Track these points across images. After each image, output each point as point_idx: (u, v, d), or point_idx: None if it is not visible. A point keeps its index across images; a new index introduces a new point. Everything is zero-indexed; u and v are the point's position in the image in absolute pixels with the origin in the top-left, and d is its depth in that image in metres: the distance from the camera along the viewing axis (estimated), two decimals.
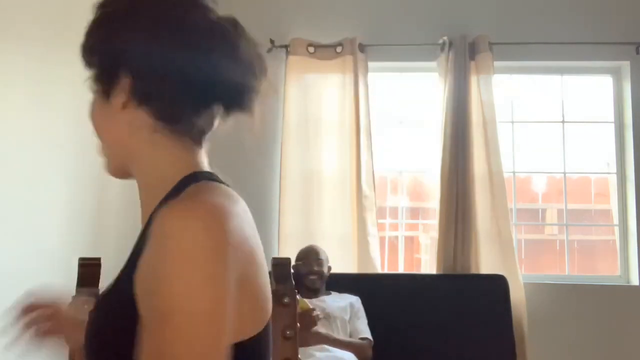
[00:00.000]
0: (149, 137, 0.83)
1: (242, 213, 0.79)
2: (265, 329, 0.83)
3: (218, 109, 0.87)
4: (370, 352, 2.80)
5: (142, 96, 0.81)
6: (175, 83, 0.81)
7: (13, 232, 2.14)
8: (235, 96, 0.86)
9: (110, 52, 0.83)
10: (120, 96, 0.82)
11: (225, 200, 0.77)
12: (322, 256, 3.04)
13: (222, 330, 0.68)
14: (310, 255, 3.02)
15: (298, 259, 3.05)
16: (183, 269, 0.67)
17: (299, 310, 2.48)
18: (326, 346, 2.66)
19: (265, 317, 0.83)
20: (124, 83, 0.81)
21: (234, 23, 0.87)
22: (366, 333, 2.85)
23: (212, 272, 0.68)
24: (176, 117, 0.83)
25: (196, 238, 0.68)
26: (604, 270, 3.54)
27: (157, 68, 0.81)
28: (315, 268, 2.97)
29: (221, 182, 0.85)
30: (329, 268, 3.06)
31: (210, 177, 0.84)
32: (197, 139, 0.86)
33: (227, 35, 0.84)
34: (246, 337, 0.78)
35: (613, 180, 3.54)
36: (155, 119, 0.83)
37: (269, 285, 0.84)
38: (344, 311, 2.88)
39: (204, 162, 0.87)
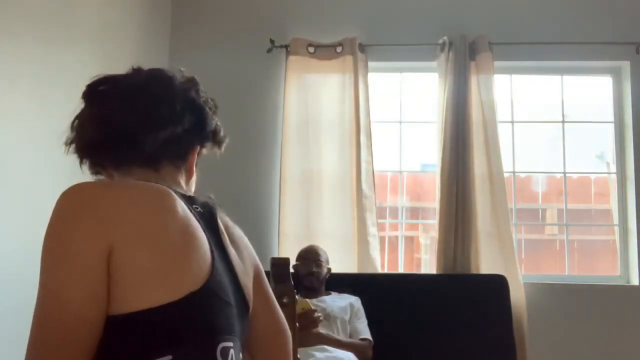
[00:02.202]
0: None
1: (138, 198, 0.93)
2: (168, 307, 0.88)
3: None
4: (370, 353, 2.81)
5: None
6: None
7: (13, 233, 2.14)
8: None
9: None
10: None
11: (108, 185, 0.97)
12: (322, 257, 3.04)
13: (55, 281, 0.85)
14: (309, 256, 3.02)
15: (298, 259, 3.05)
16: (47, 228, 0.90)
17: (300, 310, 2.49)
18: (326, 346, 2.66)
19: (153, 296, 0.87)
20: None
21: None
22: (366, 334, 2.85)
23: (52, 232, 0.88)
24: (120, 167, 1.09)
25: (57, 206, 0.91)
26: (604, 270, 3.54)
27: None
28: (314, 269, 2.97)
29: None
30: (329, 270, 3.06)
31: None
32: (147, 161, 1.06)
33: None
34: (132, 310, 0.86)
35: (613, 180, 3.54)
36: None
37: (178, 271, 0.90)
38: (344, 311, 2.88)
39: (153, 177, 1.05)
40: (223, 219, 1.10)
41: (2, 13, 2.08)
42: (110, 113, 1.04)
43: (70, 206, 0.90)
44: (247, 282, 1.07)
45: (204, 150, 1.16)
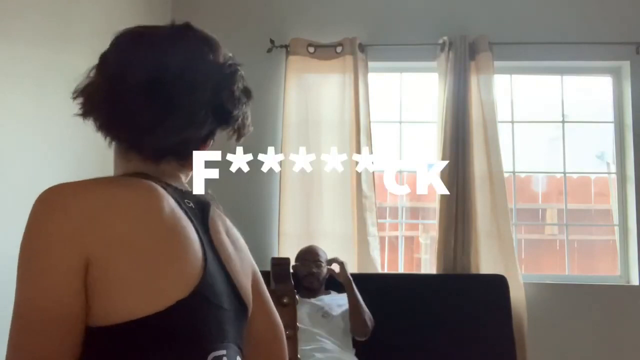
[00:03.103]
0: (116, 156, 1.04)
1: (119, 201, 0.87)
2: (154, 318, 0.82)
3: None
4: (370, 328, 2.85)
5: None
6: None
7: (13, 233, 2.14)
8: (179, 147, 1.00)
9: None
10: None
11: (86, 187, 0.88)
12: (322, 257, 3.04)
13: (26, 293, 0.83)
14: (309, 256, 3.02)
15: (297, 259, 3.05)
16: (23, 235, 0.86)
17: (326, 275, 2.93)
18: (326, 346, 2.67)
19: (136, 307, 0.82)
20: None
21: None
22: None
23: (25, 242, 0.85)
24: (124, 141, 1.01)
25: (31, 211, 0.86)
26: (604, 270, 3.54)
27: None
28: (314, 269, 2.97)
29: (152, 179, 0.95)
30: (329, 270, 3.06)
31: (138, 175, 0.97)
32: (149, 156, 0.99)
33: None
34: (115, 322, 0.81)
35: (613, 180, 3.54)
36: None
37: (165, 278, 0.85)
38: (344, 310, 2.89)
39: (150, 169, 0.99)
40: (221, 217, 1.05)
41: (2, 13, 2.08)
42: (125, 99, 0.93)
43: (45, 213, 0.85)
44: (245, 282, 1.02)
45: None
